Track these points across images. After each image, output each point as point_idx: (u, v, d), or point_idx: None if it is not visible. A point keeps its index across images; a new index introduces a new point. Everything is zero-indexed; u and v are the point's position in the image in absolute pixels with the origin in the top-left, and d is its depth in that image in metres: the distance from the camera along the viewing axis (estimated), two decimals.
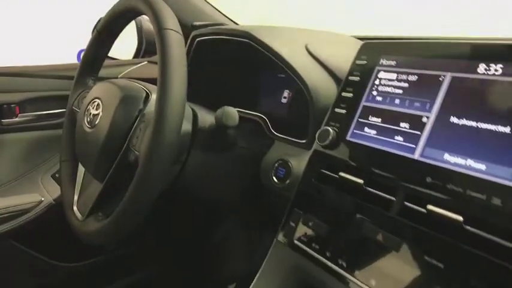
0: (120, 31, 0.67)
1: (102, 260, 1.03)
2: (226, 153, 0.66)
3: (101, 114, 0.58)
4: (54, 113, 0.96)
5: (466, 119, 0.42)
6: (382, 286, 0.42)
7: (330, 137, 0.52)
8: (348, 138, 0.52)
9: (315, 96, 0.60)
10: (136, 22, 1.13)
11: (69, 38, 0.80)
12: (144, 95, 0.58)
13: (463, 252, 0.38)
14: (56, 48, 1.18)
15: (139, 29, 1.16)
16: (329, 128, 0.53)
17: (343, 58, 0.60)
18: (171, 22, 0.51)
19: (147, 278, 1.13)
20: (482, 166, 0.39)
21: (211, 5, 1.09)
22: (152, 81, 0.60)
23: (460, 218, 0.38)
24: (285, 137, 0.67)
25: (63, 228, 0.74)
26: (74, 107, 0.71)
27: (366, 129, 0.51)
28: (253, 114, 0.73)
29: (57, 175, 0.94)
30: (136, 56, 1.18)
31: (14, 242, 0.91)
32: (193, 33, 0.81)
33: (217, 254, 1.09)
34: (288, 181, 0.61)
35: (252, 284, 0.54)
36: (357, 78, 0.54)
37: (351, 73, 0.55)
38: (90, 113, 0.61)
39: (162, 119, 0.46)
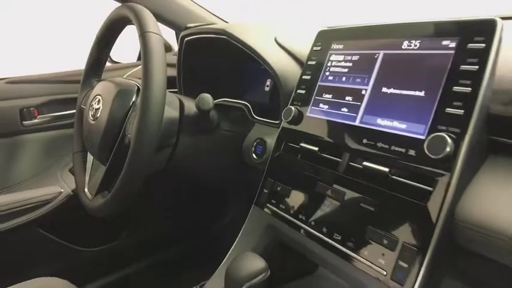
0: (116, 37, 0.78)
1: (116, 245, 1.15)
2: (211, 136, 0.76)
3: (101, 107, 0.69)
4: (69, 113, 1.08)
5: (393, 88, 0.50)
6: (330, 231, 0.51)
7: (292, 115, 0.61)
8: (307, 114, 0.61)
9: (284, 81, 0.68)
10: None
11: (81, 46, 0.91)
12: (136, 88, 0.68)
13: (389, 197, 0.46)
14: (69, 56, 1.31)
15: None
16: (292, 107, 0.62)
17: (308, 46, 0.68)
18: (152, 25, 0.60)
19: (158, 262, 1.23)
20: (403, 125, 0.47)
21: (204, 8, 1.19)
22: None
23: (386, 170, 0.46)
24: (263, 119, 0.75)
25: (81, 216, 0.85)
26: (82, 105, 0.82)
27: (321, 105, 0.59)
28: (237, 102, 0.82)
29: (71, 170, 1.06)
30: (139, 58, 1.30)
31: (39, 229, 1.03)
32: (181, 34, 0.91)
33: (225, 235, 1.19)
34: (264, 156, 0.70)
35: (235, 242, 0.63)
36: (314, 62, 0.63)
37: (309, 58, 0.64)
38: (93, 108, 0.71)
39: (145, 107, 0.56)
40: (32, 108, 1.05)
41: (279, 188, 0.61)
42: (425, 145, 0.42)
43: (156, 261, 1.22)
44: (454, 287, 0.48)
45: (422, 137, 0.44)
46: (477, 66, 0.42)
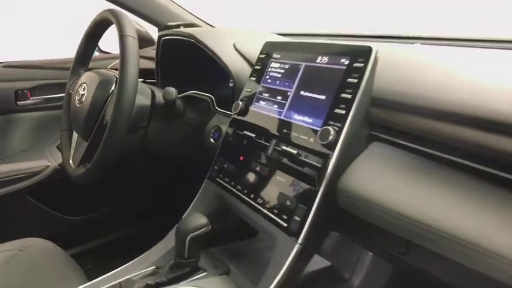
0: (101, 35, 0.92)
1: (99, 215, 1.30)
2: (178, 122, 0.91)
3: (86, 94, 0.84)
4: (58, 97, 1.23)
5: (307, 92, 0.66)
6: (261, 199, 0.67)
7: (239, 108, 0.77)
8: (251, 108, 0.77)
9: (237, 80, 0.84)
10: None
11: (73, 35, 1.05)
12: (115, 80, 0.83)
13: (295, 171, 0.62)
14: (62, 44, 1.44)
15: None
16: (240, 102, 0.77)
17: (258, 53, 0.84)
18: (129, 30, 0.75)
19: (137, 232, 1.38)
20: (310, 120, 0.63)
21: (185, 9, 1.33)
22: None
23: (295, 151, 0.63)
24: (223, 110, 0.91)
25: (67, 188, 0.99)
26: (70, 91, 0.96)
27: (261, 101, 0.75)
28: (203, 95, 0.98)
29: (60, 146, 1.21)
30: None
31: (29, 197, 1.18)
32: (159, 33, 1.06)
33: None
34: (219, 141, 0.86)
35: (189, 208, 0.79)
36: (259, 67, 0.79)
37: (256, 63, 0.80)
38: (79, 93, 0.86)
39: (120, 96, 0.71)
40: (25, 90, 1.19)
41: (225, 166, 0.77)
42: (318, 134, 0.59)
43: (135, 231, 1.37)
44: (339, 238, 0.65)
45: (318, 129, 0.60)
46: (357, 80, 0.58)
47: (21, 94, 1.19)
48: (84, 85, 0.86)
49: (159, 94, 0.88)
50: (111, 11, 0.82)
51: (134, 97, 0.73)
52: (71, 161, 0.90)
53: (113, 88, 0.83)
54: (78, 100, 0.86)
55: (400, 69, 0.63)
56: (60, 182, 1.16)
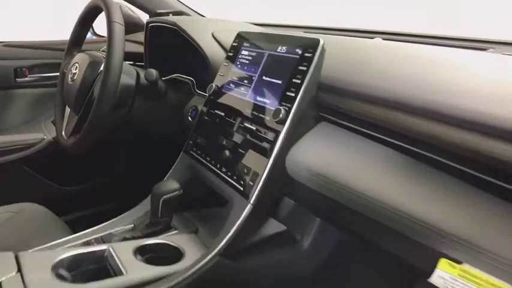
0: (93, 19, 1.02)
1: (90, 186, 1.41)
2: (160, 102, 1.01)
3: (77, 72, 0.94)
4: (54, 75, 1.32)
5: (268, 77, 0.76)
6: (226, 169, 0.77)
7: (213, 90, 0.87)
8: (223, 90, 0.87)
9: (213, 65, 0.94)
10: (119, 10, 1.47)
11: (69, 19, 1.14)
12: (104, 61, 0.93)
13: (253, 143, 0.72)
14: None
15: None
16: (213, 85, 0.87)
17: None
18: (117, 16, 0.85)
19: (123, 202, 1.49)
20: (268, 101, 0.73)
21: None
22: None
23: (254, 128, 0.73)
24: (201, 92, 1.01)
25: (60, 159, 1.09)
26: (64, 70, 1.06)
27: (231, 84, 0.85)
28: (185, 78, 1.07)
29: (53, 121, 1.31)
30: None
31: (25, 167, 1.28)
32: (147, 20, 1.15)
33: None
34: (196, 119, 0.96)
35: (166, 176, 0.90)
36: (231, 54, 0.88)
37: (229, 51, 0.89)
38: (72, 72, 0.96)
39: (106, 75, 0.81)
40: (24, 69, 1.28)
41: (199, 140, 0.87)
42: (271, 113, 0.69)
43: (122, 202, 1.47)
44: (296, 205, 0.76)
45: (273, 109, 0.70)
46: (306, 68, 0.68)
47: (20, 72, 1.28)
48: (76, 65, 0.95)
49: (142, 75, 0.98)
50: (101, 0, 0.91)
51: (119, 76, 0.83)
52: (63, 133, 1.00)
53: (101, 68, 0.92)
54: (70, 78, 0.96)
55: (348, 60, 0.73)
56: (54, 153, 1.26)
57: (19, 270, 0.59)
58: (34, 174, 1.30)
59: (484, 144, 0.48)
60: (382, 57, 0.73)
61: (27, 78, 1.30)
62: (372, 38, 0.99)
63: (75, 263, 0.65)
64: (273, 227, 0.84)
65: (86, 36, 1.08)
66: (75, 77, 0.94)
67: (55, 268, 0.62)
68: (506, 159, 0.45)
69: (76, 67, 0.95)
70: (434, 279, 0.51)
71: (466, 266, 0.49)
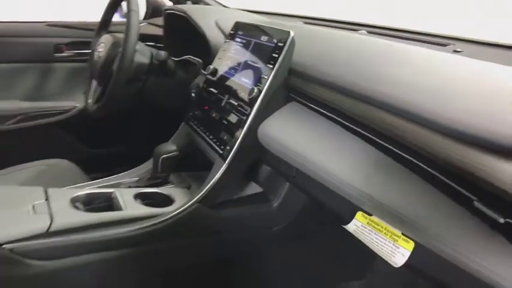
0: (118, 6, 1.20)
1: (111, 149, 1.62)
2: (170, 79, 1.19)
3: (102, 51, 1.12)
4: (86, 52, 1.52)
5: (251, 62, 0.91)
6: (212, 136, 0.94)
7: (211, 70, 1.03)
8: (218, 71, 1.02)
9: (214, 49, 1.09)
10: None
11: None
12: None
13: (234, 116, 0.88)
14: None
15: (148, 1, 1.69)
16: (211, 66, 1.03)
17: None
18: (134, 5, 1.02)
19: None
20: (248, 81, 0.88)
21: None
22: (147, 37, 1.11)
23: (236, 103, 0.89)
24: (204, 72, 1.17)
25: (89, 125, 1.29)
26: (93, 48, 1.25)
27: (224, 66, 1.01)
28: (194, 59, 1.24)
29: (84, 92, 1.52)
30: (145, 18, 1.71)
31: (59, 129, 1.51)
32: (164, 8, 1.32)
33: None
34: (196, 95, 1.13)
35: (168, 141, 1.08)
36: (228, 40, 1.04)
37: (226, 37, 1.05)
38: (98, 50, 1.15)
39: (123, 54, 0.99)
40: (62, 45, 1.49)
41: (196, 113, 1.04)
42: (247, 92, 0.84)
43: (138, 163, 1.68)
44: (266, 169, 0.91)
45: (250, 88, 0.85)
46: (277, 55, 0.82)
47: (59, 48, 1.50)
48: (102, 44, 1.14)
49: (155, 54, 1.15)
50: None
51: (133, 55, 1.01)
52: (89, 101, 1.20)
53: (121, 48, 1.10)
54: (97, 55, 1.15)
55: (318, 50, 0.87)
56: (83, 120, 1.48)
57: (47, 199, 0.79)
58: (66, 136, 1.53)
59: (400, 124, 0.59)
60: (346, 49, 0.85)
61: (64, 54, 1.51)
62: (358, 30, 1.11)
63: (88, 199, 0.85)
64: (252, 188, 1.00)
65: (111, 20, 1.26)
66: (100, 55, 1.13)
67: (73, 201, 0.82)
68: (410, 136, 0.58)
69: (102, 46, 1.14)
70: (349, 226, 0.66)
71: (373, 218, 0.63)
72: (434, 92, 0.58)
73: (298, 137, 0.79)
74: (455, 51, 0.83)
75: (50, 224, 0.73)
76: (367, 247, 0.66)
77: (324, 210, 0.80)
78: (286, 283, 1.11)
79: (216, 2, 1.63)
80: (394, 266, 0.58)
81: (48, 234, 0.72)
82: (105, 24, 1.25)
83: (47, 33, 1.50)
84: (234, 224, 0.93)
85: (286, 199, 0.96)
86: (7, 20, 1.53)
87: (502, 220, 0.43)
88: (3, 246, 0.69)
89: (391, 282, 1.19)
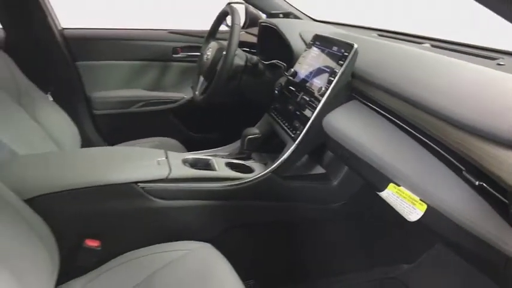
0: (224, 19, 1.52)
1: (210, 134, 1.97)
2: (260, 79, 1.47)
3: (210, 54, 1.45)
4: (196, 54, 1.89)
5: (323, 66, 1.14)
6: (287, 123, 1.19)
7: (291, 73, 1.28)
8: (297, 73, 1.27)
9: (296, 56, 1.34)
10: (245, 9, 1.97)
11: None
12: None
13: (306, 108, 1.13)
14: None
15: (246, 12, 2.00)
16: (292, 69, 1.29)
17: None
18: (237, 19, 1.32)
19: None
20: (320, 82, 1.12)
21: (287, 2, 1.83)
22: (244, 43, 1.42)
23: (308, 99, 1.13)
24: (287, 74, 1.43)
25: (192, 114, 1.64)
26: (202, 51, 1.59)
27: (302, 70, 1.25)
28: (280, 63, 1.50)
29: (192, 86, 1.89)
30: (243, 27, 2.04)
31: (170, 115, 1.90)
32: (259, 20, 1.61)
33: None
34: (278, 92, 1.39)
35: (255, 126, 1.35)
36: (307, 49, 1.28)
37: (307, 47, 1.29)
38: (207, 54, 1.48)
39: (225, 58, 1.29)
40: (178, 48, 1.88)
41: (277, 105, 1.31)
42: (317, 90, 1.08)
43: None
44: (330, 155, 1.14)
45: (319, 87, 1.09)
46: (342, 62, 1.04)
47: (175, 50, 1.89)
48: (210, 49, 1.47)
49: (249, 58, 1.45)
50: (230, 6, 1.40)
51: (233, 59, 1.31)
52: (197, 92, 1.55)
53: (224, 52, 1.42)
54: (205, 58, 1.48)
55: (377, 59, 1.07)
56: (189, 109, 1.85)
57: (166, 157, 1.12)
58: (175, 121, 1.92)
59: (431, 120, 0.77)
60: (398, 59, 1.04)
61: (179, 55, 1.90)
62: (423, 43, 1.27)
63: (194, 162, 1.16)
64: (316, 169, 1.23)
65: (218, 30, 1.59)
66: (208, 57, 1.46)
67: (183, 161, 1.13)
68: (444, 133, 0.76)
69: (210, 50, 1.47)
70: (383, 193, 0.86)
71: (401, 188, 0.83)
72: (464, 99, 0.74)
73: (353, 127, 1.00)
74: (499, 65, 0.96)
75: (169, 173, 1.05)
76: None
77: (376, 193, 0.99)
78: (337, 255, 1.31)
79: (305, 15, 1.87)
80: (409, 221, 0.77)
81: (167, 180, 1.04)
82: (213, 33, 1.59)
83: (168, 38, 1.91)
84: (298, 194, 1.17)
85: (343, 180, 1.17)
86: (139, 28, 1.97)
87: (477, 183, 0.61)
88: (138, 184, 1.02)
89: (440, 269, 1.32)
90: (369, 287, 1.36)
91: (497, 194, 0.58)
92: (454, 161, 0.68)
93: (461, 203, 0.66)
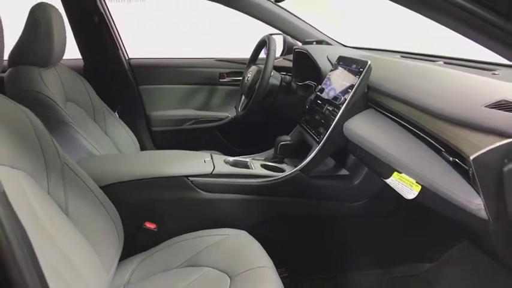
0: (263, 47, 1.77)
1: (249, 149, 2.20)
2: (293, 96, 1.69)
3: (250, 76, 1.70)
4: (239, 79, 2.15)
5: (343, 81, 1.34)
6: (314, 131, 1.39)
7: (318, 89, 1.49)
8: (324, 89, 1.48)
9: (324, 75, 1.55)
10: (284, 38, 2.24)
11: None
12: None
13: (329, 116, 1.32)
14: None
15: (284, 42, 2.27)
16: (320, 86, 1.49)
17: None
18: (273, 46, 1.57)
19: None
20: (339, 94, 1.32)
21: (319, 30, 2.07)
22: (282, 68, 1.68)
23: (331, 108, 1.33)
24: (316, 90, 1.64)
25: (234, 131, 1.92)
26: (244, 75, 1.84)
27: (328, 87, 1.45)
28: (311, 83, 1.71)
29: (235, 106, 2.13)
30: (281, 54, 2.30)
31: (216, 131, 2.16)
32: (294, 47, 1.85)
33: None
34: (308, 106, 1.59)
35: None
36: (332, 69, 1.49)
37: (333, 67, 1.50)
38: (248, 76, 1.73)
39: (261, 79, 1.54)
40: (224, 73, 2.17)
41: (307, 117, 1.52)
42: (338, 101, 1.28)
43: None
44: (352, 158, 1.31)
45: (339, 97, 1.29)
46: (358, 77, 1.24)
47: (221, 75, 2.18)
48: (250, 72, 1.72)
49: (284, 79, 1.68)
50: (267, 36, 1.65)
51: (268, 80, 1.55)
52: (239, 109, 1.79)
53: (261, 75, 1.66)
54: (246, 79, 1.74)
55: (388, 74, 1.25)
56: (232, 127, 2.10)
57: (211, 158, 1.36)
58: (219, 137, 2.18)
59: (426, 118, 0.95)
60: (406, 73, 1.21)
61: (225, 80, 2.18)
62: (436, 61, 1.43)
63: (234, 162, 1.38)
64: (340, 171, 1.41)
65: (257, 56, 1.85)
66: (248, 79, 1.71)
67: (225, 161, 1.36)
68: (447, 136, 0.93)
69: (250, 73, 1.72)
70: (388, 180, 1.02)
71: (402, 174, 0.99)
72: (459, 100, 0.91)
73: (368, 131, 1.18)
74: (494, 74, 1.11)
75: (213, 170, 1.28)
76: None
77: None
78: (362, 252, 1.45)
79: (336, 41, 2.09)
80: (406, 198, 0.93)
81: (211, 175, 1.27)
82: (253, 59, 1.85)
83: (215, 65, 2.20)
84: (324, 192, 1.35)
85: (364, 180, 1.33)
86: (192, 57, 2.29)
87: (451, 159, 0.77)
88: (189, 178, 1.26)
89: (461, 268, 1.41)
90: (393, 283, 1.47)
91: (462, 164, 0.74)
92: (439, 146, 0.85)
93: (442, 177, 0.82)
